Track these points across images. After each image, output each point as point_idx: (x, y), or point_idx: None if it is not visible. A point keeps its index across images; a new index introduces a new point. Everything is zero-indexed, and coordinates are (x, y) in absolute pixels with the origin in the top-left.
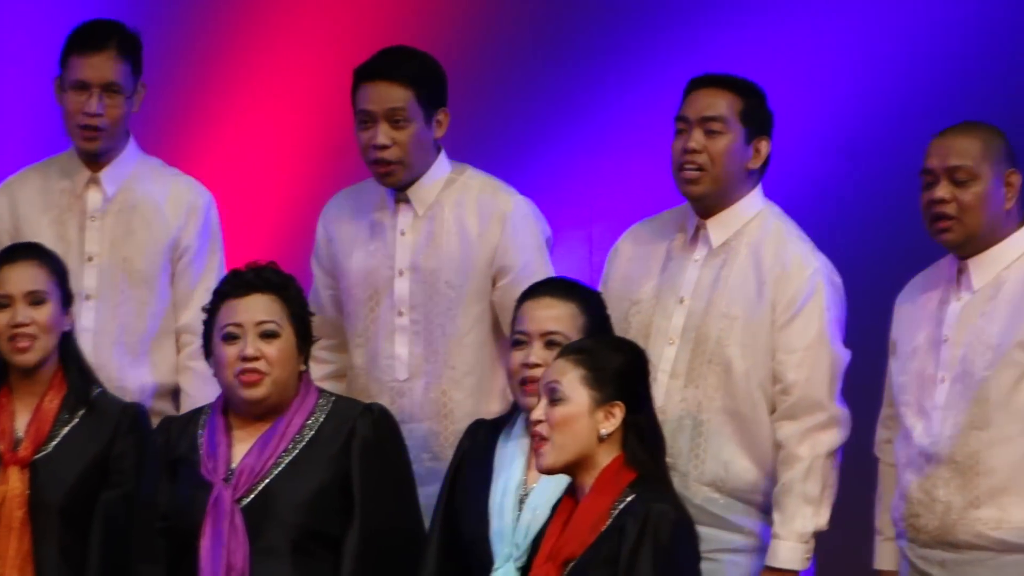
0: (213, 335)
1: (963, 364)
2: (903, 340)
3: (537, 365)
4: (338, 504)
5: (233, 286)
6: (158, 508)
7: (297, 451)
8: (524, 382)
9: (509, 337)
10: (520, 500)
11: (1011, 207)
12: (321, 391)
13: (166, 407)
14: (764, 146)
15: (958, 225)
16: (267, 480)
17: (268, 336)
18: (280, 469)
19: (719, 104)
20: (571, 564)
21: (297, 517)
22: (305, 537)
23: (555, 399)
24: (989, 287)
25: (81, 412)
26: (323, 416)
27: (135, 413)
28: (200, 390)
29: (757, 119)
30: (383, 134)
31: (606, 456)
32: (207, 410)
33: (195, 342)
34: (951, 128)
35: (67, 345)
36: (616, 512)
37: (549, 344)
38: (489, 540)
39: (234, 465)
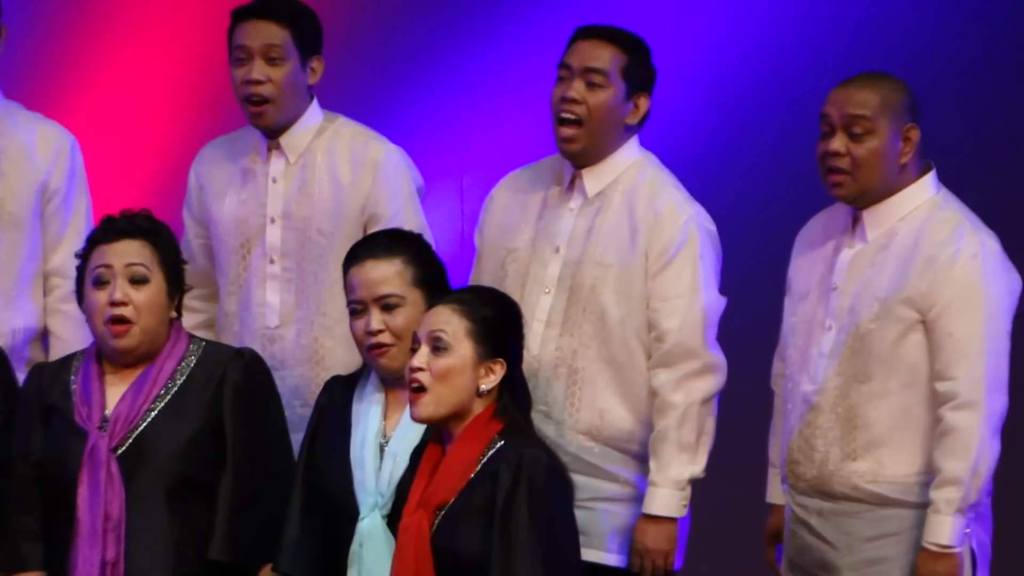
0: (85, 281)
1: (850, 315)
2: (797, 281)
3: (381, 331)
4: (212, 450)
5: (105, 232)
6: (32, 456)
7: (169, 397)
8: (371, 348)
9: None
10: (380, 449)
11: (907, 161)
12: (192, 337)
13: (37, 353)
14: (643, 102)
15: (850, 181)
16: (141, 427)
17: (137, 282)
18: (153, 416)
19: (603, 57)
20: (442, 511)
21: (172, 464)
22: (180, 484)
23: (439, 347)
24: (882, 237)
25: None
26: (194, 361)
27: None
28: (71, 333)
29: (639, 76)
30: (258, 70)
31: (479, 407)
32: (79, 356)
33: (65, 285)
34: (853, 78)
35: None
36: (485, 459)
37: (385, 308)
38: (353, 492)
39: (108, 412)
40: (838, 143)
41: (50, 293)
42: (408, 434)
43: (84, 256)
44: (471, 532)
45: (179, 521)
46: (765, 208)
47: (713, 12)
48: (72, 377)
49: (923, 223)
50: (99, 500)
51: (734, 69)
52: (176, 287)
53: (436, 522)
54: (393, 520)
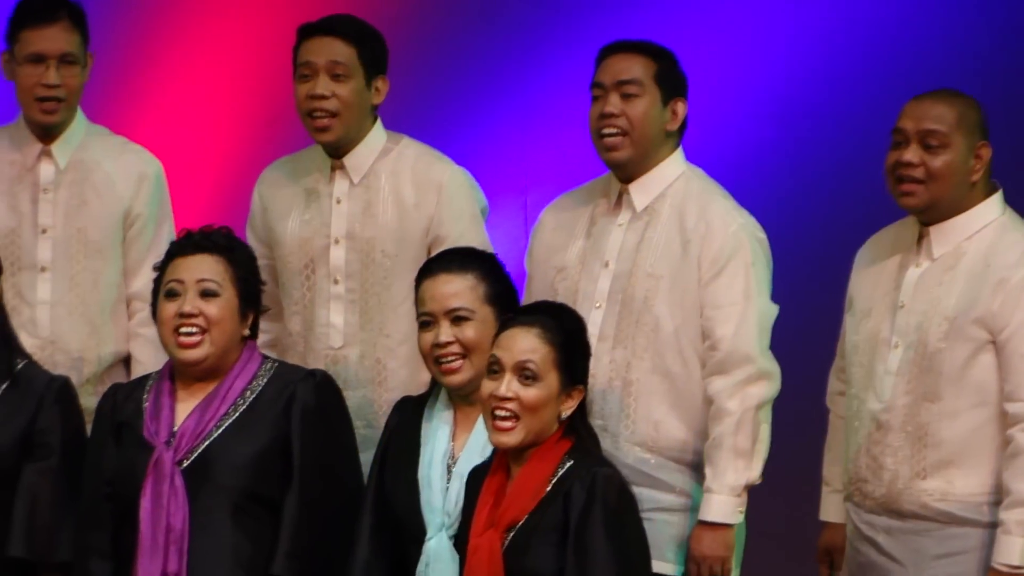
0: (159, 294)
1: (918, 332)
2: (860, 298)
3: (449, 343)
4: (278, 467)
5: (181, 246)
6: (103, 474)
7: (238, 414)
8: (438, 361)
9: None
10: (448, 469)
11: (977, 179)
12: (265, 357)
13: (121, 375)
14: (680, 107)
15: (923, 190)
16: (207, 442)
17: (208, 295)
18: (220, 431)
19: (633, 67)
20: (513, 530)
21: (237, 479)
22: (245, 499)
23: (528, 377)
24: (949, 256)
25: (5, 385)
26: (265, 380)
27: (60, 386)
28: (150, 356)
29: (672, 81)
30: (322, 85)
31: (553, 429)
32: (154, 376)
33: (145, 309)
34: (929, 93)
35: None
36: (556, 478)
37: (456, 320)
38: (421, 512)
39: (176, 428)
40: (912, 154)
41: (132, 317)
42: (476, 455)
43: (161, 269)
44: (544, 551)
45: (243, 536)
46: (825, 224)
47: (774, 30)
48: (145, 395)
49: (992, 243)
50: (162, 512)
51: (795, 86)
52: (249, 305)
53: (507, 542)
54: (459, 541)
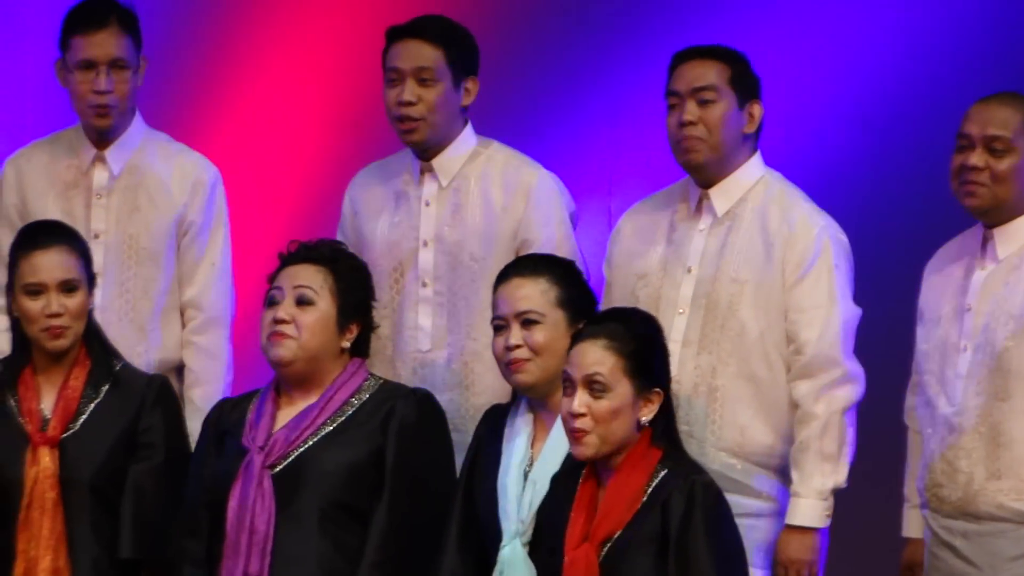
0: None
1: (985, 333)
2: (929, 308)
3: (518, 346)
4: (370, 480)
5: (289, 255)
6: (203, 482)
7: (335, 425)
8: (509, 364)
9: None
10: (524, 476)
11: None
12: (372, 375)
13: (174, 384)
14: (757, 109)
15: (987, 192)
16: (301, 449)
17: (303, 302)
18: (315, 440)
19: (708, 73)
20: (609, 543)
21: (328, 488)
22: (333, 508)
23: (597, 390)
24: (1014, 257)
25: (106, 387)
26: (367, 396)
27: (160, 385)
28: (203, 365)
29: (746, 84)
30: (409, 91)
31: (636, 436)
32: (263, 388)
33: (199, 317)
34: (993, 96)
35: (88, 322)
36: (652, 488)
37: (525, 323)
38: (499, 518)
39: (273, 434)
40: (977, 158)
41: (185, 326)
42: (549, 462)
43: (271, 279)
44: (642, 562)
45: (329, 545)
46: (903, 228)
47: (858, 34)
48: (250, 405)
49: None
50: (246, 514)
51: (879, 91)
52: (349, 317)
53: (603, 554)
54: (534, 548)
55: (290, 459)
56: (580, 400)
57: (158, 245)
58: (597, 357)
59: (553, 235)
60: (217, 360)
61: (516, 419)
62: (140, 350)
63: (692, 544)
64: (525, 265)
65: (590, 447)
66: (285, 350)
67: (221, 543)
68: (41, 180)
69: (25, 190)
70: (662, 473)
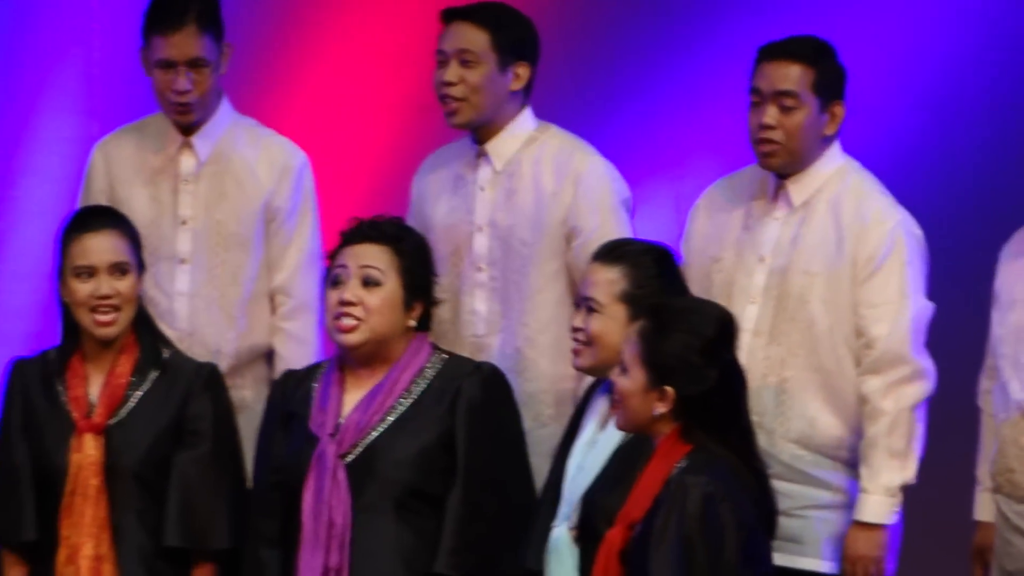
0: (328, 280)
1: None
2: (1004, 291)
3: (577, 329)
4: (442, 463)
5: (352, 232)
6: (272, 462)
7: (404, 408)
8: (577, 343)
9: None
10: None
11: None
12: (435, 349)
13: (262, 370)
14: (839, 110)
15: None
16: (372, 436)
17: (370, 283)
18: (386, 426)
19: (791, 77)
20: (635, 529)
21: (400, 475)
22: (408, 495)
23: (623, 368)
24: None
25: (153, 375)
26: (432, 373)
27: (208, 373)
28: (293, 351)
29: (830, 85)
30: (451, 72)
31: (664, 428)
32: (325, 364)
33: (288, 303)
34: None
35: (138, 308)
36: (668, 482)
37: (589, 310)
38: (560, 495)
39: (342, 420)
40: None
41: (275, 311)
42: (601, 447)
43: (332, 256)
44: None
45: (406, 532)
46: (978, 218)
47: (930, 22)
48: (315, 384)
49: None
50: (323, 507)
51: (950, 79)
52: (415, 296)
53: (631, 539)
54: (584, 532)
55: (362, 447)
56: (613, 373)
57: (246, 231)
58: (629, 336)
59: (603, 223)
60: (306, 346)
61: (599, 398)
62: (229, 336)
63: (655, 542)
64: (609, 250)
65: (617, 421)
66: (355, 335)
67: (293, 527)
68: (129, 166)
69: (113, 176)
70: (677, 467)
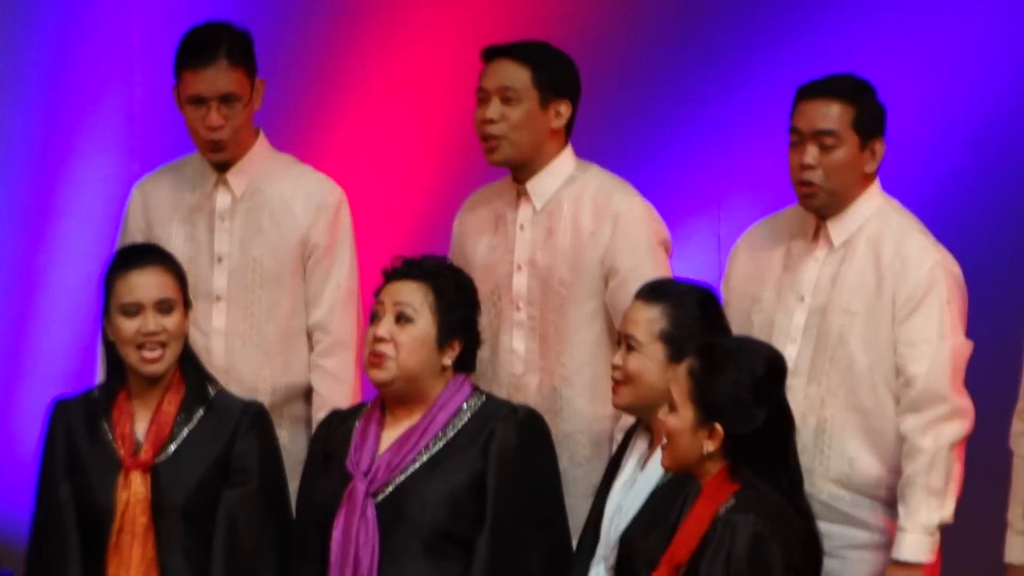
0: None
1: None
2: None
3: (616, 366)
4: (473, 506)
5: (392, 270)
6: (311, 500)
7: (437, 449)
8: (615, 381)
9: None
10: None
11: None
12: (475, 390)
13: (299, 408)
14: (879, 147)
15: None
16: (403, 477)
17: (402, 320)
18: (417, 467)
19: (830, 116)
20: (681, 570)
21: (429, 516)
22: (437, 537)
23: (671, 406)
24: None
25: (200, 413)
26: (469, 415)
27: (255, 412)
28: (330, 388)
29: (870, 123)
30: (492, 109)
31: (712, 468)
32: (369, 403)
33: (325, 340)
34: None
35: (184, 347)
36: (715, 520)
37: (628, 348)
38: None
39: (377, 458)
40: None
41: (313, 349)
42: (640, 487)
43: (376, 294)
44: None
45: (435, 574)
46: (1018, 258)
47: (970, 58)
48: (356, 423)
49: None
50: (350, 545)
51: (991, 119)
52: (451, 334)
53: None
54: (621, 572)
55: (392, 487)
56: (663, 410)
57: (282, 267)
58: (673, 376)
59: (641, 263)
60: (344, 383)
61: (635, 442)
62: (265, 374)
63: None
64: (651, 289)
65: (663, 460)
66: (383, 372)
67: (326, 567)
68: (166, 205)
69: (151, 215)
70: (725, 507)
